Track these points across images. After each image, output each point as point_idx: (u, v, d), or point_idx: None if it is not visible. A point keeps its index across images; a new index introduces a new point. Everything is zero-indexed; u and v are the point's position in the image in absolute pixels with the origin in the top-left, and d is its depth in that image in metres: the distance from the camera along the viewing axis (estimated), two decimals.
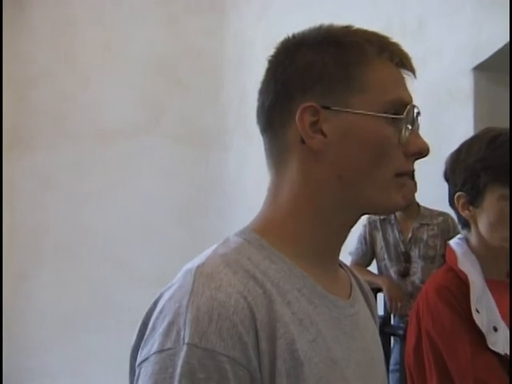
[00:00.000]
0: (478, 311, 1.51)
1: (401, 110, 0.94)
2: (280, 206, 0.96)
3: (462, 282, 1.57)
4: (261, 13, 6.10)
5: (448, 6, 4.39)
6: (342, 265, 1.09)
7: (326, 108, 0.92)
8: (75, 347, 6.30)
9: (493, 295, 1.58)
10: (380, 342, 1.13)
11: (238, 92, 5.98)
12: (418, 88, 4.18)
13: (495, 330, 1.51)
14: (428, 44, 4.54)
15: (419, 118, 0.98)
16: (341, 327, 0.94)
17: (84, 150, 6.56)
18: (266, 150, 1.00)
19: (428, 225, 3.91)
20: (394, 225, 3.98)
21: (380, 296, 4.19)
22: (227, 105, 6.42)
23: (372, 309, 1.15)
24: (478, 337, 1.50)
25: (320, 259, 0.97)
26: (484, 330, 1.50)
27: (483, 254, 1.64)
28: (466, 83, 4.24)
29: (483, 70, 4.22)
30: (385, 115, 0.92)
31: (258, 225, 0.97)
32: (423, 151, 0.97)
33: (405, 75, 0.99)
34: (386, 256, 4.00)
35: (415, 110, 0.97)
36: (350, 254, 4.16)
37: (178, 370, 0.78)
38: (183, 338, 0.80)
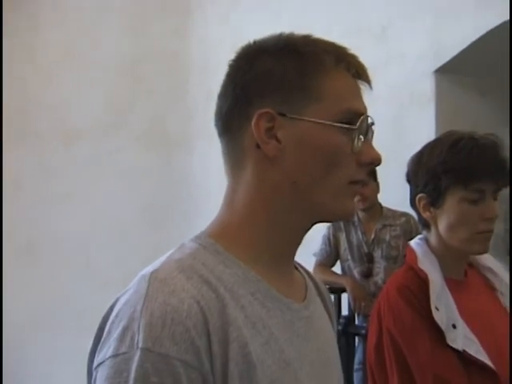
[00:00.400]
0: (437, 309, 1.55)
1: (355, 120, 0.96)
2: (236, 211, 0.98)
3: (422, 281, 1.61)
4: (226, 14, 6.10)
5: (410, 10, 4.45)
6: (298, 267, 1.11)
7: (282, 115, 0.94)
8: (40, 349, 6.23)
9: (451, 294, 1.62)
10: (336, 343, 1.15)
11: (204, 94, 5.96)
12: (381, 91, 4.25)
13: (454, 327, 1.54)
14: (391, 48, 4.59)
15: (373, 128, 1.01)
16: (294, 329, 0.96)
17: (48, 151, 6.49)
18: (223, 153, 1.02)
19: (391, 226, 3.96)
20: (357, 226, 4.02)
21: (344, 296, 4.24)
22: (193, 107, 6.40)
23: (329, 310, 1.17)
24: (438, 334, 1.54)
25: (275, 263, 0.98)
26: (443, 327, 1.53)
27: (442, 253, 1.68)
28: (428, 86, 4.30)
29: (444, 72, 4.28)
30: (338, 124, 0.94)
31: (214, 229, 0.98)
32: (375, 161, 0.99)
33: (361, 86, 1.01)
34: (349, 257, 4.04)
35: (369, 121, 0.99)
36: (315, 255, 4.19)
37: (133, 374, 0.80)
38: (137, 343, 0.81)
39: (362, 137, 0.97)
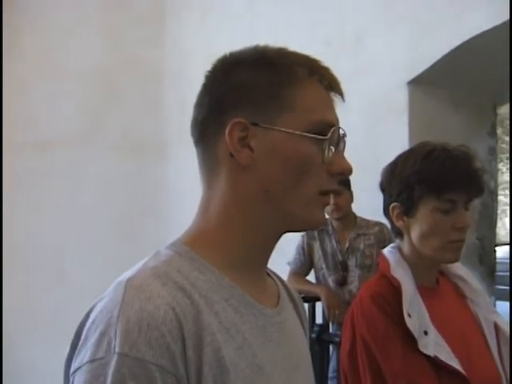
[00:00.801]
0: (409, 316, 1.57)
1: (326, 130, 0.98)
2: (210, 218, 1.00)
3: (395, 289, 1.63)
4: (200, 23, 6.11)
5: (385, 21, 4.49)
6: (270, 274, 1.13)
7: (255, 124, 0.97)
8: (12, 360, 6.17)
9: (423, 301, 1.65)
10: (308, 349, 1.17)
11: (178, 102, 5.96)
12: (355, 101, 4.29)
13: (426, 333, 1.57)
14: (365, 58, 4.62)
15: (345, 139, 1.04)
16: (267, 335, 0.98)
17: (22, 161, 6.44)
18: (198, 162, 1.04)
19: (364, 235, 3.99)
20: (331, 235, 4.04)
21: (318, 305, 4.25)
22: (167, 115, 6.40)
23: (301, 316, 1.20)
24: (410, 340, 1.56)
25: (248, 269, 1.00)
26: (415, 334, 1.55)
27: (415, 262, 1.71)
28: (402, 97, 4.34)
29: (418, 84, 4.33)
30: (309, 135, 0.97)
31: (189, 237, 1.00)
32: (346, 171, 1.02)
33: (334, 98, 1.04)
34: (323, 265, 4.06)
35: (341, 132, 1.02)
36: (289, 263, 4.20)
37: (109, 378, 0.81)
38: (114, 348, 0.82)
39: (332, 147, 0.99)
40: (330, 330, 4.02)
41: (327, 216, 4.02)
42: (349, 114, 5.19)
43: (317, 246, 4.09)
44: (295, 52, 1.03)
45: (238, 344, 0.92)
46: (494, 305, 4.91)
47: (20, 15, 6.58)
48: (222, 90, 0.99)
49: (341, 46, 4.79)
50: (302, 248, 4.14)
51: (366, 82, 4.59)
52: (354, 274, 3.97)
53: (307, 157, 0.97)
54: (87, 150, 6.47)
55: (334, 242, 4.04)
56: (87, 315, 0.90)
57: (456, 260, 1.72)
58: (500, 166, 14.82)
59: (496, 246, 5.17)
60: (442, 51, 4.05)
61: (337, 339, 3.78)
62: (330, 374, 3.85)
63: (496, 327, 1.76)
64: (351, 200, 3.98)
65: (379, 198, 1.81)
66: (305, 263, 4.16)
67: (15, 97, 6.50)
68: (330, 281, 4.02)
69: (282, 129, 0.96)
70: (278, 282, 1.15)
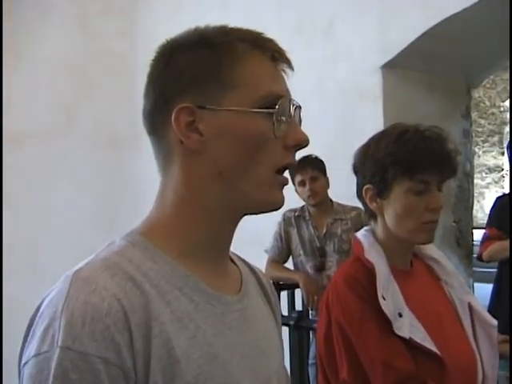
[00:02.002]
0: (384, 298, 1.57)
1: (275, 103, 0.96)
2: (165, 207, 0.99)
3: (369, 271, 1.63)
4: (173, 12, 6.07)
5: (355, 6, 4.49)
6: (235, 260, 1.11)
7: (201, 107, 0.95)
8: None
9: (398, 283, 1.65)
10: (277, 335, 1.16)
11: None
12: (329, 87, 4.29)
13: (400, 315, 1.57)
14: (337, 44, 4.62)
15: (299, 111, 1.02)
16: (226, 322, 0.97)
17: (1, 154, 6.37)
18: (154, 152, 1.03)
19: (342, 220, 3.98)
20: (308, 221, 4.04)
21: (298, 291, 4.26)
22: (140, 105, 6.34)
23: (271, 301, 1.18)
24: (385, 323, 1.56)
25: (206, 257, 0.99)
26: (390, 316, 1.55)
27: (389, 244, 1.71)
28: (375, 81, 4.34)
29: (391, 68, 4.34)
30: (255, 110, 0.95)
31: (144, 226, 0.99)
32: (302, 142, 0.99)
33: (284, 69, 1.02)
34: (301, 252, 4.05)
35: (292, 103, 1.00)
36: (266, 251, 4.20)
37: (52, 371, 0.81)
38: (57, 341, 0.82)
39: (284, 119, 0.97)
40: (310, 317, 4.02)
41: (304, 202, 4.02)
42: (323, 100, 5.22)
43: (294, 232, 4.08)
44: (237, 28, 1.01)
45: (191, 333, 0.90)
46: (472, 287, 4.95)
47: None
48: (163, 77, 0.98)
49: (312, 33, 4.79)
50: (280, 235, 4.14)
51: (338, 67, 4.59)
52: (332, 260, 3.96)
53: (258, 133, 0.95)
54: (60, 143, 6.40)
55: (311, 228, 4.03)
56: (37, 309, 0.90)
57: (429, 241, 1.72)
58: (476, 149, 14.98)
59: (474, 228, 5.21)
60: (413, 35, 4.06)
61: (316, 325, 3.78)
62: (310, 361, 3.85)
63: (470, 308, 1.77)
64: (327, 186, 3.98)
65: (354, 182, 1.81)
66: (282, 250, 4.15)
67: None
68: (308, 267, 4.02)
69: (229, 108, 0.94)
70: (245, 268, 1.13)
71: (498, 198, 4.31)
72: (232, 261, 1.10)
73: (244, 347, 0.99)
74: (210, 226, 0.98)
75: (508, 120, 14.27)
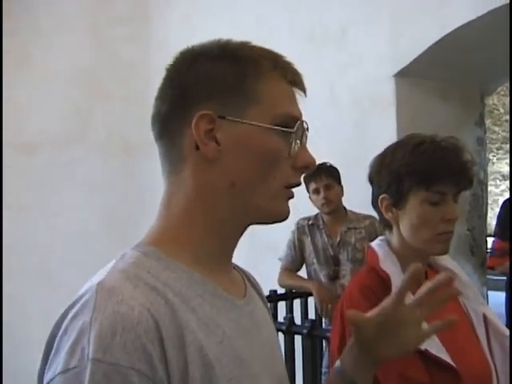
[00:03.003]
0: None
1: (291, 124, 0.98)
2: (174, 214, 0.99)
3: (384, 281, 1.63)
4: (185, 21, 6.10)
5: (368, 14, 4.49)
6: (234, 266, 1.12)
7: (222, 117, 0.95)
8: (3, 361, 6.13)
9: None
10: (277, 339, 1.18)
11: None
12: (342, 95, 4.29)
13: None
14: (350, 52, 4.63)
15: (307, 133, 1.03)
16: (242, 325, 0.98)
17: (8, 162, 6.40)
18: (161, 157, 1.03)
19: (355, 228, 3.98)
20: (322, 229, 4.04)
21: (311, 300, 4.25)
22: None
23: (267, 307, 1.20)
24: None
25: (215, 262, 1.00)
26: None
27: (403, 254, 1.70)
28: (388, 89, 4.34)
29: (404, 76, 4.33)
30: (276, 128, 0.97)
31: (153, 236, 0.99)
32: (310, 165, 1.02)
33: (297, 93, 1.03)
34: (315, 260, 4.05)
35: (304, 126, 1.01)
36: (280, 259, 4.20)
37: None
38: (87, 355, 0.79)
39: (298, 141, 0.99)
40: (323, 326, 4.02)
41: (318, 210, 4.02)
42: (336, 108, 5.22)
43: (308, 241, 4.08)
44: (258, 46, 1.02)
45: (219, 338, 0.91)
46: (486, 295, 4.92)
47: (4, 15, 6.53)
48: (185, 81, 0.98)
49: (325, 40, 4.79)
50: (293, 243, 4.14)
51: (351, 75, 4.59)
52: (345, 268, 3.96)
53: (274, 150, 0.97)
54: (73, 151, 6.43)
55: (324, 236, 4.03)
56: (58, 324, 0.87)
57: (445, 252, 1.72)
58: (490, 156, 14.92)
59: (488, 236, 5.18)
60: (427, 43, 4.06)
61: (329, 334, 3.77)
62: (324, 370, 3.84)
63: (485, 319, 1.76)
64: (341, 194, 3.98)
65: (369, 191, 1.81)
66: (296, 258, 4.15)
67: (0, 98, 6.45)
68: (322, 275, 4.01)
69: (249, 122, 0.96)
70: (242, 274, 1.15)
71: (504, 203, 4.24)
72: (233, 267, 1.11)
73: (260, 349, 1.00)
74: (220, 235, 0.99)
75: None
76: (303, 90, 1.04)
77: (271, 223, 1.02)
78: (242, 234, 1.03)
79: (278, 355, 1.11)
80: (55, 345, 0.85)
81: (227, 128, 0.96)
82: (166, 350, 0.83)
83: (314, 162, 1.01)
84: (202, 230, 0.98)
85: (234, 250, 1.04)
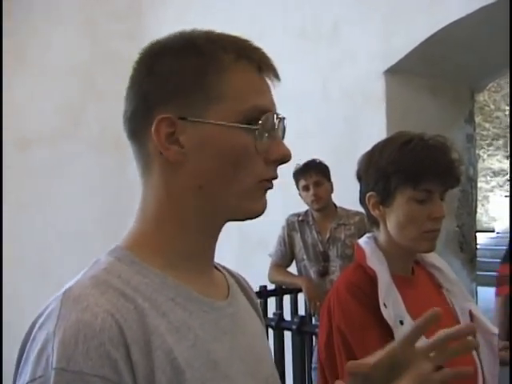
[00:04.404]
0: (385, 306, 1.57)
1: (259, 118, 0.94)
2: (147, 218, 0.98)
3: (371, 278, 1.64)
4: (179, 15, 6.09)
5: (360, 11, 4.50)
6: (217, 266, 1.10)
7: (183, 119, 0.93)
8: (3, 361, 6.12)
9: (399, 290, 1.65)
10: (265, 337, 1.16)
11: None
12: (333, 91, 4.30)
13: (401, 323, 1.57)
14: (342, 48, 4.64)
15: (283, 122, 0.99)
16: (220, 327, 0.96)
17: (2, 159, 6.39)
18: (134, 157, 1.00)
19: (345, 225, 3.99)
20: (312, 225, 4.04)
21: (300, 296, 4.27)
22: None
23: (255, 304, 1.19)
24: (387, 330, 1.56)
25: (192, 265, 0.98)
26: (391, 323, 1.56)
27: (390, 251, 1.72)
28: (379, 86, 4.36)
29: (394, 72, 4.35)
30: (239, 125, 0.93)
31: (128, 240, 0.98)
32: (284, 157, 0.98)
33: (268, 80, 0.99)
34: (305, 256, 4.05)
35: (276, 117, 0.97)
36: (270, 255, 4.20)
37: None
38: (51, 364, 0.79)
39: (266, 134, 0.95)
40: (313, 322, 4.03)
41: (307, 207, 4.03)
42: (327, 104, 5.22)
43: (298, 237, 4.08)
44: (224, 35, 0.98)
45: (191, 342, 0.90)
46: (476, 291, 4.95)
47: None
48: (146, 82, 0.95)
49: (317, 37, 4.80)
50: (283, 239, 4.14)
51: (342, 71, 4.60)
52: (335, 265, 3.97)
53: (240, 148, 0.93)
54: (68, 147, 6.43)
55: (314, 232, 4.03)
56: (29, 332, 0.87)
57: (431, 250, 1.73)
58: (481, 152, 14.97)
59: (477, 232, 5.20)
60: (417, 40, 4.08)
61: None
62: (314, 365, 3.85)
63: (471, 315, 1.77)
64: (331, 190, 3.99)
65: (358, 187, 1.82)
66: (286, 254, 4.15)
67: None
68: (312, 272, 4.02)
69: (212, 121, 0.92)
70: (226, 274, 1.13)
71: None
72: (215, 267, 1.09)
73: (241, 351, 0.98)
74: (193, 237, 0.97)
75: None
76: (275, 75, 0.99)
77: (246, 220, 1.00)
78: (217, 233, 1.01)
79: (266, 357, 1.09)
80: (25, 353, 0.85)
81: (190, 129, 0.93)
82: (132, 354, 0.82)
83: (288, 153, 0.98)
84: (173, 235, 0.97)
85: (212, 250, 1.02)
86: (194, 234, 0.97)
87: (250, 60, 0.96)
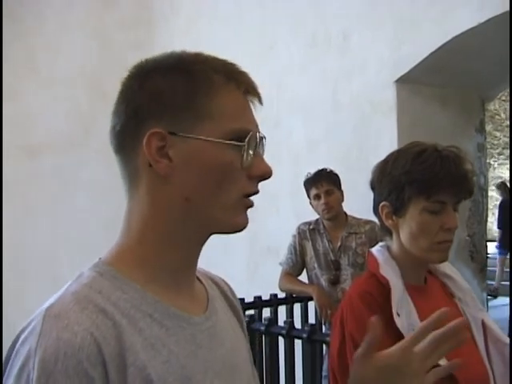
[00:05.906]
0: (398, 315, 1.58)
1: (244, 136, 0.99)
2: (131, 232, 1.00)
3: (384, 287, 1.65)
4: (189, 25, 6.12)
5: (370, 20, 4.51)
6: (200, 277, 1.12)
7: (173, 134, 0.96)
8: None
9: (412, 299, 1.66)
10: (245, 345, 1.18)
11: None
12: (343, 100, 4.31)
13: None
14: (352, 57, 4.64)
15: (263, 142, 1.04)
16: (197, 342, 0.98)
17: (13, 166, 6.42)
18: (120, 172, 1.03)
19: (356, 233, 3.99)
20: (323, 234, 4.05)
21: (311, 304, 4.27)
22: None
23: (238, 314, 1.21)
24: (399, 339, 1.55)
25: (173, 280, 1.00)
26: (404, 332, 1.56)
27: (403, 261, 1.72)
28: (389, 95, 4.36)
29: (404, 82, 4.35)
30: (226, 142, 0.97)
31: (112, 254, 1.00)
32: (265, 174, 1.02)
33: (252, 101, 1.04)
34: (316, 265, 4.06)
35: (258, 136, 1.02)
36: (281, 264, 4.21)
37: None
38: (32, 380, 0.82)
39: (251, 152, 0.99)
40: (323, 330, 4.03)
41: (318, 216, 4.04)
42: (337, 113, 5.23)
43: (309, 245, 4.09)
44: (212, 57, 1.03)
45: (165, 358, 0.92)
46: (486, 300, 4.93)
47: (9, 19, 6.56)
48: (137, 98, 0.99)
49: (327, 46, 4.81)
50: (294, 248, 4.15)
51: (353, 81, 4.61)
52: (346, 273, 3.97)
53: (226, 164, 0.98)
54: (78, 154, 6.46)
55: (325, 241, 4.04)
56: (13, 345, 0.89)
57: (444, 260, 1.74)
58: (491, 161, 14.91)
59: (488, 241, 5.18)
60: (428, 49, 4.08)
61: (329, 339, 3.78)
62: (324, 373, 3.85)
63: (483, 325, 1.77)
64: (342, 199, 3.99)
65: (369, 196, 1.83)
66: (297, 263, 4.16)
67: (5, 102, 6.48)
68: (323, 280, 4.03)
69: (200, 137, 0.96)
70: (208, 284, 1.14)
71: None
72: (197, 278, 1.11)
73: (216, 364, 1.00)
74: (177, 251, 1.00)
75: None
76: (258, 98, 1.04)
77: (228, 234, 1.03)
78: (201, 247, 1.04)
79: (244, 369, 1.10)
80: (8, 367, 0.87)
81: (179, 144, 0.96)
82: (109, 372, 0.85)
83: (269, 171, 1.03)
84: (157, 248, 0.99)
85: (194, 264, 1.05)
86: (177, 248, 0.99)
87: (238, 83, 1.01)
